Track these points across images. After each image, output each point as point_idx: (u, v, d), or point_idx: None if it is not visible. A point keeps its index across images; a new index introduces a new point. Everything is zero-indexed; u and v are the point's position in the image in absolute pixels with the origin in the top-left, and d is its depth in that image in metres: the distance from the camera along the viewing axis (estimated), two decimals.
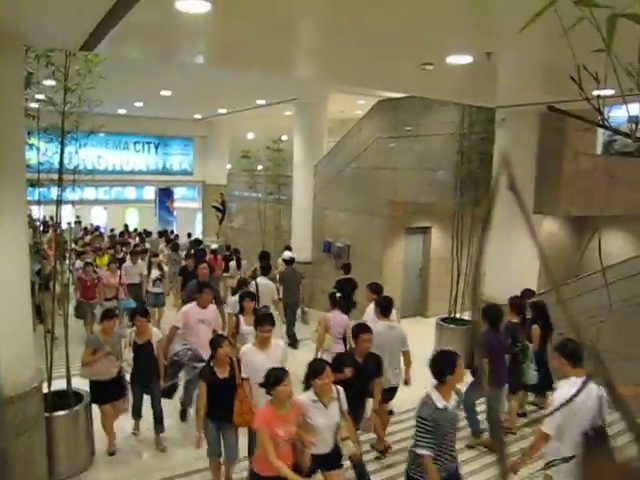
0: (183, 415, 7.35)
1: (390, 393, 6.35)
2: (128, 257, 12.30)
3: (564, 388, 4.25)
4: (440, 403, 4.03)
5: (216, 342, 5.42)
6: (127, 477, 5.97)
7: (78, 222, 20.65)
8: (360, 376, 5.37)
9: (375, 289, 7.57)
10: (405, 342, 6.48)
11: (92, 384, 6.28)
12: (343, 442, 4.64)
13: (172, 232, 20.31)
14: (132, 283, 11.52)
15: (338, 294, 7.98)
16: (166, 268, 12.98)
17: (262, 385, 4.51)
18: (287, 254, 12.46)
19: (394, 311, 6.78)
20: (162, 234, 18.69)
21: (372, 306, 6.97)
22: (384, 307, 6.58)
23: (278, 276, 11.29)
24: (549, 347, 6.87)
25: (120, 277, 11.24)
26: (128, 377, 6.60)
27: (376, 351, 5.81)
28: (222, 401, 5.26)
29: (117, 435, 6.64)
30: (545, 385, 7.00)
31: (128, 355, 6.46)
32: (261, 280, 9.19)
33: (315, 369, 4.53)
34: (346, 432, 4.64)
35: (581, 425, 4.04)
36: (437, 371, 4.16)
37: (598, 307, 7.73)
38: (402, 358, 6.50)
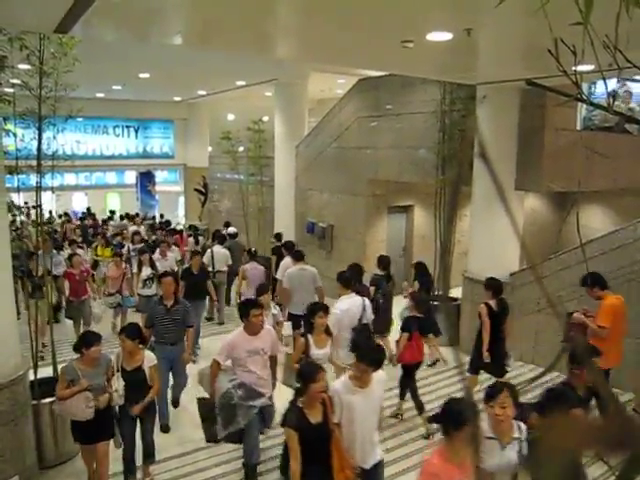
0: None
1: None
2: (157, 251, 10.85)
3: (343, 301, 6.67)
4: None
5: (309, 374, 4.11)
6: (116, 460, 5.98)
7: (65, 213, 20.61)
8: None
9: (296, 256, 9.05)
10: (316, 279, 8.54)
11: (71, 421, 5.24)
12: None
13: (153, 217, 20.45)
14: None
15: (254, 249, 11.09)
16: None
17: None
18: (232, 229, 13.81)
19: None
20: (130, 217, 19.64)
21: (288, 258, 9.45)
22: (295, 255, 8.96)
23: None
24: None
25: (124, 274, 10.32)
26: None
27: (293, 291, 8.29)
28: (318, 454, 4.03)
29: None
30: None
31: (118, 383, 5.24)
32: (216, 248, 11.52)
33: None
34: None
35: (350, 324, 6.49)
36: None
37: (579, 282, 7.85)
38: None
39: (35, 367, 5.94)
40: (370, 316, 6.86)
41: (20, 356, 5.37)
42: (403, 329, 6.71)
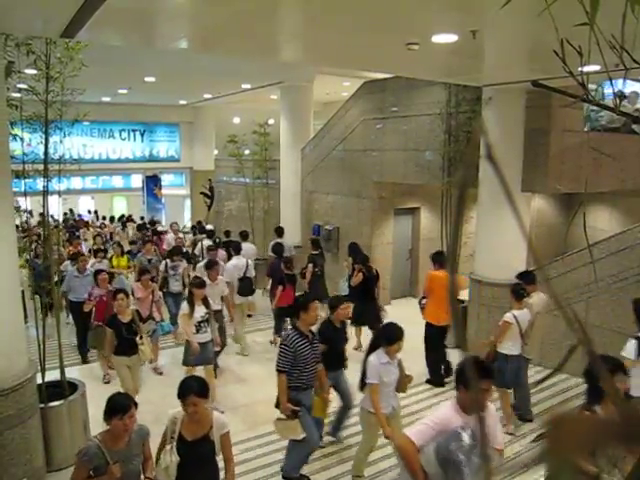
0: None
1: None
2: (202, 267, 9.20)
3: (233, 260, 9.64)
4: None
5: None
6: None
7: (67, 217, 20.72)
8: None
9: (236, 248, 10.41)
10: (250, 269, 9.90)
11: None
12: None
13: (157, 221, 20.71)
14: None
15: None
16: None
17: None
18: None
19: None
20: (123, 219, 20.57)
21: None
22: (235, 247, 10.28)
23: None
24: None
25: (153, 293, 8.79)
26: None
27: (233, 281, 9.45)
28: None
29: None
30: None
31: (170, 458, 3.87)
32: (206, 242, 12.63)
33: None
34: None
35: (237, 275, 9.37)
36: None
37: (587, 283, 7.83)
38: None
39: (42, 371, 5.95)
40: (252, 272, 9.99)
41: (27, 360, 5.39)
42: (270, 276, 9.94)
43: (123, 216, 22.56)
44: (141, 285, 8.73)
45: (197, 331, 7.10)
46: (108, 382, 8.09)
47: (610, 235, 7.80)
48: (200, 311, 7.20)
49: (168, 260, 10.36)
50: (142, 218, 19.31)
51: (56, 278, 7.18)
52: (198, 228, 15.90)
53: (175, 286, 10.16)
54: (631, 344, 5.42)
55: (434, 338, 8.09)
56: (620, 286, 7.52)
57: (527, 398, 6.87)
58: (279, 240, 12.16)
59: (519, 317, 6.54)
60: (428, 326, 8.16)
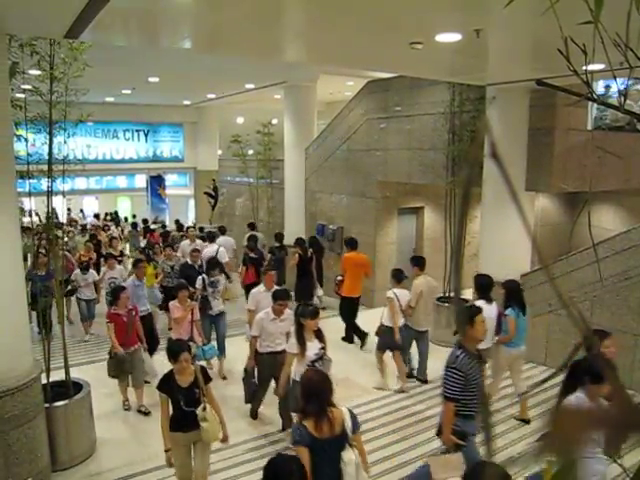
0: None
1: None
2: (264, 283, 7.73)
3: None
4: None
5: None
6: (130, 463, 6.01)
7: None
8: None
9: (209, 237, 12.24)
10: (221, 254, 10.97)
11: None
12: None
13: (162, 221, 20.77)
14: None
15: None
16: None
17: None
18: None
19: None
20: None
21: (187, 241, 12.65)
22: (209, 236, 11.96)
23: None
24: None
25: (192, 312, 7.59)
26: None
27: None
28: None
29: (119, 422, 6.72)
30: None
31: None
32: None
33: None
34: None
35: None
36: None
37: (592, 282, 7.81)
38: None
39: (47, 370, 5.97)
40: (224, 258, 11.07)
41: (32, 360, 5.41)
42: (244, 263, 11.57)
43: (116, 214, 22.70)
44: (179, 303, 7.47)
45: None
46: (128, 409, 7.34)
47: (615, 234, 7.77)
48: (314, 348, 5.65)
49: (205, 275, 8.79)
50: (145, 221, 19.30)
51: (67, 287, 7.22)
52: (176, 226, 16.88)
53: (216, 306, 8.64)
54: None
55: (350, 308, 9.88)
56: (625, 285, 7.50)
57: (424, 363, 8.20)
58: (253, 232, 13.55)
59: (399, 295, 7.79)
60: (344, 299, 9.92)
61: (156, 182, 22.59)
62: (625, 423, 0.75)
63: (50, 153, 6.10)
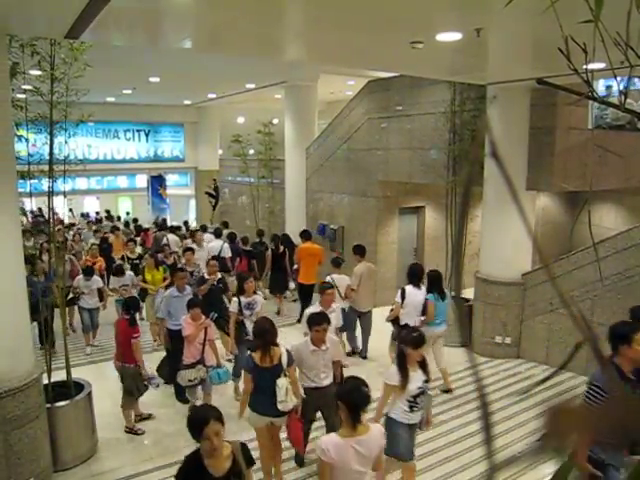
0: None
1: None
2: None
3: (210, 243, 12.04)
4: None
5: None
6: (131, 464, 6.01)
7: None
8: None
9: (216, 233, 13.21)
10: (225, 250, 11.85)
11: None
12: None
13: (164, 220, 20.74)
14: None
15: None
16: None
17: None
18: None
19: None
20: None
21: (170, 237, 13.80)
22: (215, 233, 12.73)
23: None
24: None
25: (206, 331, 6.68)
26: None
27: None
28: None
29: (120, 422, 6.72)
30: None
31: None
32: (170, 236, 14.31)
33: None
34: None
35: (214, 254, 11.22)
36: None
37: (593, 281, 7.81)
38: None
39: (49, 371, 5.98)
40: (227, 253, 11.90)
41: (34, 360, 5.41)
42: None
43: (108, 212, 22.51)
44: (191, 319, 6.61)
45: (410, 409, 4.86)
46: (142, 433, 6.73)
47: (616, 233, 7.77)
48: (417, 380, 4.91)
49: (241, 297, 7.37)
50: (135, 220, 19.28)
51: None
52: (160, 224, 17.17)
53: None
54: None
55: (306, 293, 10.71)
56: (626, 284, 7.49)
57: (366, 341, 9.03)
58: (230, 230, 14.25)
59: (336, 279, 8.52)
60: (300, 285, 10.86)
61: (157, 182, 22.59)
62: (626, 423, 0.75)
63: (51, 153, 6.10)
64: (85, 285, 9.45)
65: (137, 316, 7.47)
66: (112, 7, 4.17)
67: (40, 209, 21.29)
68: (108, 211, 21.86)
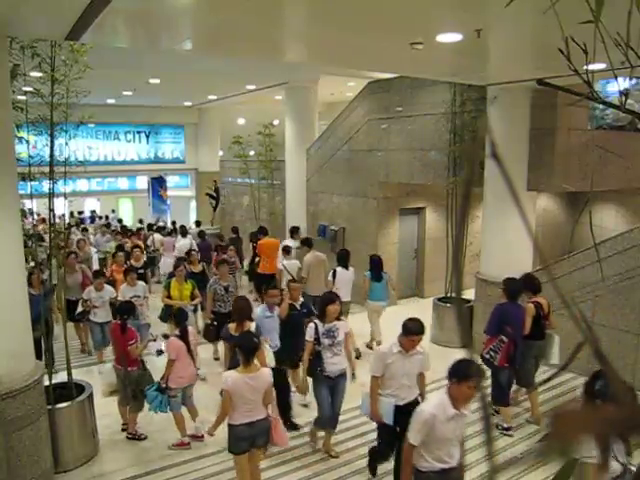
0: None
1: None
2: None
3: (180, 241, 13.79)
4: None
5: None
6: (132, 465, 6.01)
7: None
8: None
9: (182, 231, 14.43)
10: (194, 246, 12.92)
11: None
12: None
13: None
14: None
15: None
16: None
17: None
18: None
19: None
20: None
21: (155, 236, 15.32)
22: (181, 231, 14.04)
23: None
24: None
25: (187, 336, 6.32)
26: None
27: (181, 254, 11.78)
28: None
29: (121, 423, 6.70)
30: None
31: None
32: (157, 236, 15.39)
33: None
34: None
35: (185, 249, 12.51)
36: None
37: (594, 282, 7.80)
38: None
39: (50, 372, 5.97)
40: (196, 248, 12.53)
41: (34, 362, 5.41)
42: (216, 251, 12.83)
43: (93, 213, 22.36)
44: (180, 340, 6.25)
45: None
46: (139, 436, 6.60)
47: (616, 234, 7.76)
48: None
49: (317, 321, 6.11)
50: (120, 220, 19.30)
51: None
52: (147, 225, 18.12)
53: (335, 364, 6.08)
54: None
55: (266, 282, 10.48)
56: (627, 285, 7.49)
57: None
58: (201, 228, 15.69)
59: (287, 265, 9.93)
60: (261, 275, 11.73)
61: (157, 183, 22.59)
62: (626, 424, 0.75)
63: (51, 155, 6.10)
64: (97, 296, 8.53)
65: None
66: (112, 9, 4.17)
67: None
68: (93, 211, 21.87)
